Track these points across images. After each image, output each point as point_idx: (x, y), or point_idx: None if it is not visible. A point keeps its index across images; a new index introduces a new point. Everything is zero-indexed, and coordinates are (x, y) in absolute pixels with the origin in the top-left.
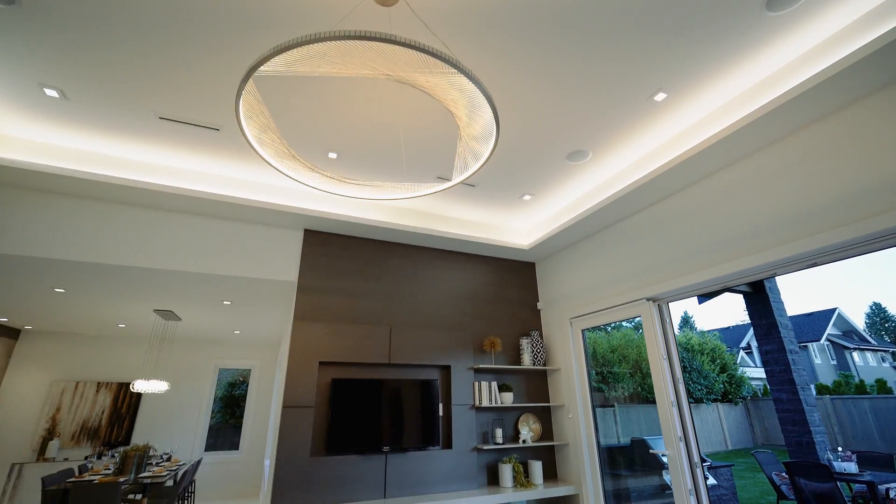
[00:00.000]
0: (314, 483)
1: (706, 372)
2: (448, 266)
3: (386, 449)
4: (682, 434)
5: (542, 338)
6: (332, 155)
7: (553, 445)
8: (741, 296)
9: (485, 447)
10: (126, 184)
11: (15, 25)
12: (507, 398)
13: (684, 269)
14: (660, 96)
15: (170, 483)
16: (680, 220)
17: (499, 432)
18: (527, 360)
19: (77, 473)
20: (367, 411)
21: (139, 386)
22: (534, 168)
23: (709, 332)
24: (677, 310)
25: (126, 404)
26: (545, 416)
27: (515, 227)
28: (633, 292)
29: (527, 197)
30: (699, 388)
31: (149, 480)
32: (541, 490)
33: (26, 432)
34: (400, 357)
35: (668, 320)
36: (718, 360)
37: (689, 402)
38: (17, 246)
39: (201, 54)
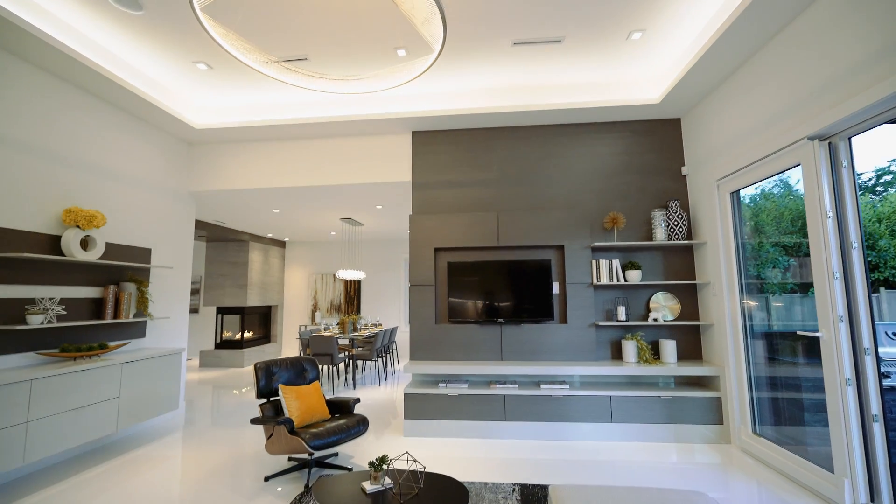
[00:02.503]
0: (440, 344)
1: None
2: (560, 142)
3: (500, 321)
4: (844, 313)
5: (684, 209)
6: (401, 52)
7: (697, 325)
8: None
9: (605, 324)
10: (280, 123)
11: (156, 23)
12: (634, 276)
13: (869, 80)
14: None
15: (371, 340)
16: (855, 13)
17: (621, 310)
18: (660, 235)
19: (321, 331)
20: (480, 288)
21: (340, 274)
22: None
23: None
24: None
25: (353, 288)
26: (686, 294)
27: (638, 78)
28: (791, 132)
29: (635, 35)
30: None
31: (355, 337)
32: (672, 368)
33: (303, 306)
34: (508, 240)
35: (844, 164)
36: None
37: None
38: (233, 182)
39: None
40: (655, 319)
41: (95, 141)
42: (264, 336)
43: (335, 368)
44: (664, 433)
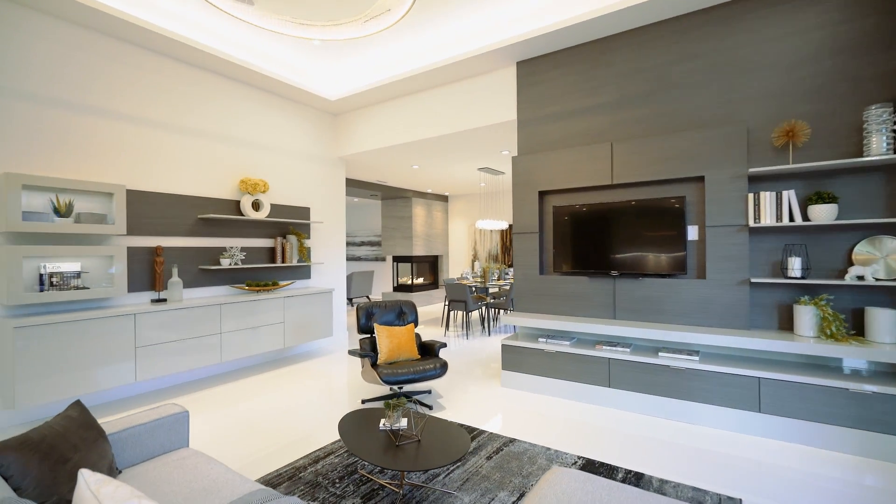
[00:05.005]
0: (545, 296)
1: None
2: (701, 35)
3: (614, 273)
4: None
5: None
6: None
7: None
8: None
9: (766, 280)
10: (390, 81)
11: (267, 14)
12: (822, 213)
13: None
14: None
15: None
16: None
17: (795, 262)
18: (878, 147)
19: (468, 279)
20: (590, 235)
21: (479, 224)
22: None
23: None
24: None
25: (508, 239)
26: None
27: None
28: None
29: None
30: None
31: (490, 286)
32: (885, 351)
33: (464, 255)
34: (626, 176)
35: None
36: None
37: None
38: (368, 144)
39: None
40: (860, 277)
41: (260, 123)
42: (433, 283)
43: (473, 314)
44: (849, 441)
